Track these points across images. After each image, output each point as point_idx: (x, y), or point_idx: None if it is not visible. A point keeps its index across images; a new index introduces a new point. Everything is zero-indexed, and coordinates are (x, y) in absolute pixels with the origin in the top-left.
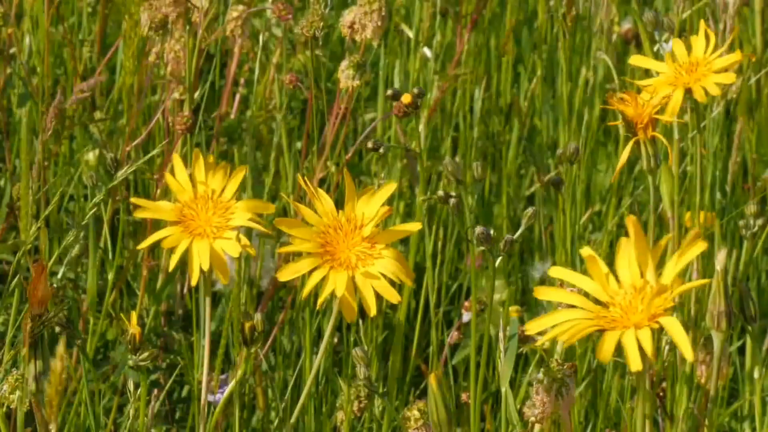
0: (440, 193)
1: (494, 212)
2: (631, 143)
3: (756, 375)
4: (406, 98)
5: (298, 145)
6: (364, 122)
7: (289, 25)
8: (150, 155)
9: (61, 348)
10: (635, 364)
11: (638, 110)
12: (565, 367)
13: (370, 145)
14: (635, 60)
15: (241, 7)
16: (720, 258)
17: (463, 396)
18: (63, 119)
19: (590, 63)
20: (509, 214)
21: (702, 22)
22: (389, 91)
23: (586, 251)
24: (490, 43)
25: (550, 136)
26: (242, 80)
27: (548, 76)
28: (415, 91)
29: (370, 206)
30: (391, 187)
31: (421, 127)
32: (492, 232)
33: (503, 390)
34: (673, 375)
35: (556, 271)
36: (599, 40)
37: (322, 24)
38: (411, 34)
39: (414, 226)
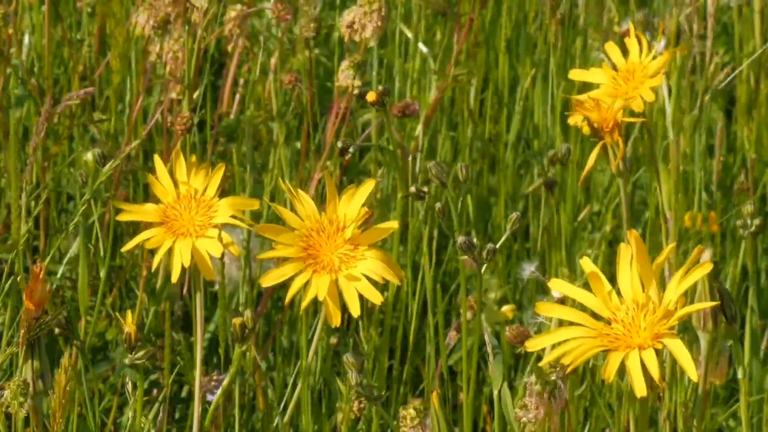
0: (412, 189)
1: (492, 212)
2: (597, 148)
3: (740, 375)
4: (370, 96)
5: (298, 145)
6: (364, 123)
7: (289, 25)
8: (129, 148)
9: (65, 360)
10: (640, 390)
11: (603, 114)
12: (557, 369)
13: (339, 144)
14: (573, 74)
15: (239, 7)
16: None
17: (461, 396)
18: (51, 122)
19: (587, 63)
20: (508, 214)
21: (631, 26)
22: (356, 91)
23: (587, 265)
24: (488, 43)
25: (549, 136)
26: (242, 80)
27: (547, 76)
28: (380, 88)
29: (352, 207)
30: (369, 186)
31: (418, 128)
32: (490, 232)
33: (495, 392)
34: (672, 374)
35: (557, 284)
36: (594, 41)
37: (315, 26)
38: (410, 33)
39: (392, 224)
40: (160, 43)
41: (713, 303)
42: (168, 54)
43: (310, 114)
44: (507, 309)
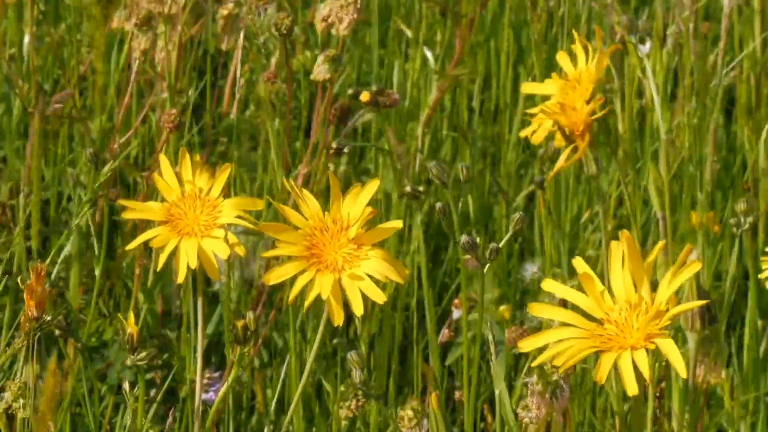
0: (407, 189)
1: (494, 212)
2: (567, 150)
3: (723, 375)
4: (364, 96)
5: (297, 144)
6: (365, 123)
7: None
8: (126, 150)
9: (52, 364)
10: (632, 388)
11: (573, 118)
12: (558, 369)
13: (334, 145)
14: (527, 87)
15: (230, 5)
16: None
17: (456, 394)
18: (46, 123)
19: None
20: (509, 213)
21: (576, 35)
22: (350, 90)
23: (580, 266)
24: (489, 44)
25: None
26: (242, 80)
27: (547, 76)
28: (374, 88)
29: (356, 206)
30: (374, 185)
31: (418, 128)
32: (491, 232)
33: (497, 391)
34: (671, 375)
35: (549, 285)
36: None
37: (290, 20)
38: (410, 33)
39: (397, 224)
40: (143, 41)
41: (703, 302)
42: (161, 53)
43: (288, 109)
44: (503, 309)
